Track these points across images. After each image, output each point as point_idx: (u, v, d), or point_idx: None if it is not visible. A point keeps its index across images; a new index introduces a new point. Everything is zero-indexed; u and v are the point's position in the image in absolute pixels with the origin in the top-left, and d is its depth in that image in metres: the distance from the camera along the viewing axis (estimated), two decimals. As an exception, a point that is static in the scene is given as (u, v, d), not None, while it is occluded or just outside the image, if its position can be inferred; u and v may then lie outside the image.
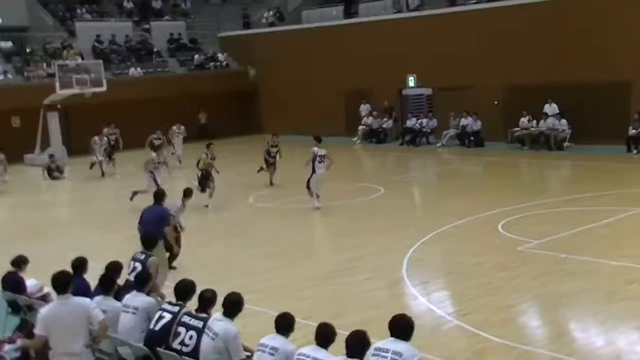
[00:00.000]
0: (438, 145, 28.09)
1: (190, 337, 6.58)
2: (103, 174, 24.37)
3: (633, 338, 8.57)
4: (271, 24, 36.07)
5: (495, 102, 27.13)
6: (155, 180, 17.98)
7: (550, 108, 25.55)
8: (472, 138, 27.30)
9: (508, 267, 11.78)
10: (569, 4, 24.72)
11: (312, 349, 6.01)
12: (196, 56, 35.70)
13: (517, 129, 26.14)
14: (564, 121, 24.99)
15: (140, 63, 33.88)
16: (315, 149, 16.66)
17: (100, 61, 29.63)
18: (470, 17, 27.43)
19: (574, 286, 10.63)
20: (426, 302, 10.38)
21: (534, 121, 25.77)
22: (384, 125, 30.17)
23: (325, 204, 16.94)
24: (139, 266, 8.75)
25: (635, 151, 23.02)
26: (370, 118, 30.59)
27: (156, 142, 22.95)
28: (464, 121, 27.57)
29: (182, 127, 26.76)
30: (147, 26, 36.57)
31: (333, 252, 13.61)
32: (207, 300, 6.85)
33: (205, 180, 17.86)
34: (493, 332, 8.90)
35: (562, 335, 9.01)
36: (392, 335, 5.88)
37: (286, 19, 35.90)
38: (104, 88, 27.80)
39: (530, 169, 23.26)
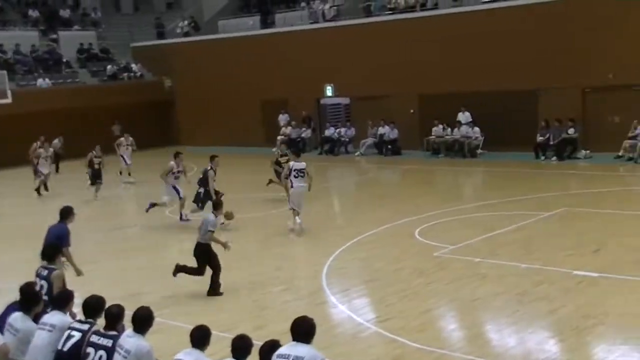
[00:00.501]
0: (356, 154, 28.44)
1: (100, 357, 6.32)
2: (47, 188, 22.83)
3: (542, 337, 8.89)
4: (186, 34, 35.72)
5: (411, 111, 27.72)
6: (177, 190, 17.23)
7: (464, 116, 26.28)
8: (389, 147, 27.75)
9: (425, 272, 12.02)
10: (479, 17, 25.54)
11: None
12: (109, 67, 34.96)
13: (432, 137, 26.78)
14: (477, 129, 25.73)
15: (48, 74, 32.90)
16: (292, 162, 15.83)
17: (4, 72, 28.52)
18: (386, 27, 27.92)
19: (487, 289, 10.94)
20: (346, 310, 10.47)
21: (449, 129, 26.45)
22: (302, 135, 30.30)
23: (243, 216, 16.83)
24: (44, 283, 8.42)
25: (543, 157, 23.94)
26: (289, 128, 30.67)
27: (96, 160, 21.73)
28: (381, 130, 28.02)
29: (131, 139, 25.63)
30: (54, 36, 35.57)
31: (252, 263, 13.53)
32: (114, 316, 6.58)
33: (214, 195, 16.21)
34: (411, 337, 9.06)
35: (476, 337, 9.25)
36: (294, 339, 5.77)
37: (202, 29, 35.63)
38: (8, 100, 26.81)
39: (445, 176, 23.83)
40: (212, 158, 16.91)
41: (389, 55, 27.39)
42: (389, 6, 28.90)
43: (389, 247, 13.93)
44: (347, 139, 29.18)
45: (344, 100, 31.43)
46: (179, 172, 17.36)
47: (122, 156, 25.04)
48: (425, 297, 10.77)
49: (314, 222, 16.77)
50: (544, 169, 22.73)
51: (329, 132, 29.75)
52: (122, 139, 25.67)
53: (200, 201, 16.69)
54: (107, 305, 6.80)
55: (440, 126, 26.55)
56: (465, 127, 26.00)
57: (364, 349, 8.92)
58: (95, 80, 34.43)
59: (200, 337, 6.18)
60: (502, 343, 8.88)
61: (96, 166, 21.71)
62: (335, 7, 30.60)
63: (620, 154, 22.55)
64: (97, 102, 31.88)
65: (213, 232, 11.45)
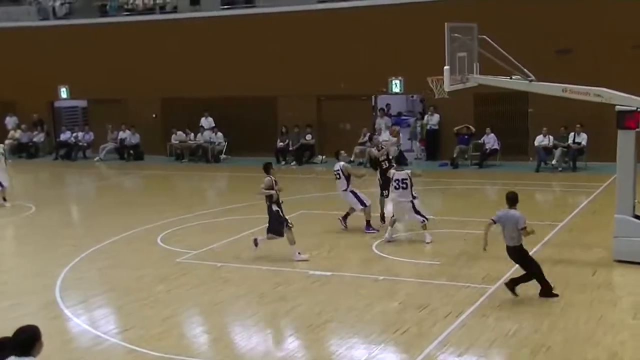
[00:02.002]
0: (96, 159, 27.32)
1: None
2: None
3: (280, 336, 9.21)
4: None
5: (154, 115, 27.30)
6: (358, 197, 14.48)
7: (207, 121, 26.46)
8: (131, 152, 27.04)
9: (167, 279, 11.84)
10: (218, 22, 25.91)
11: None
12: None
13: (176, 142, 26.61)
14: (220, 134, 26.04)
15: None
16: (392, 171, 13.90)
17: None
18: (125, 29, 27.23)
19: (229, 292, 11.08)
20: (81, 323, 9.95)
21: (192, 134, 26.46)
22: (34, 139, 28.37)
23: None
24: None
25: (283, 162, 24.91)
26: (19, 131, 28.55)
27: None
28: (122, 134, 27.22)
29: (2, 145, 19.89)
30: None
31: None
32: None
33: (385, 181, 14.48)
34: (151, 346, 8.85)
35: (217, 341, 9.29)
36: (15, 354, 5.26)
37: None
38: None
39: (189, 181, 23.75)
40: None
41: (129, 57, 26.72)
42: (126, 7, 28.16)
43: (130, 255, 13.54)
44: (85, 144, 27.92)
45: (81, 103, 30.04)
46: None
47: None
48: (166, 304, 10.60)
49: (47, 231, 15.81)
50: (285, 173, 23.51)
51: (65, 136, 28.23)
52: None
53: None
54: None
55: (180, 133, 26.47)
56: (209, 132, 26.19)
57: (100, 363, 8.54)
58: None
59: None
60: (243, 344, 9.02)
61: None
62: (67, 5, 29.06)
63: (352, 159, 24.18)
64: None
65: (525, 228, 10.09)
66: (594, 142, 20.86)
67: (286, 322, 9.71)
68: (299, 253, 12.63)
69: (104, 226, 16.00)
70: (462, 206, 17.27)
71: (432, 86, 12.87)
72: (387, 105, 30.43)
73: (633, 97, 11.47)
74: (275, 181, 12.66)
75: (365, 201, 14.43)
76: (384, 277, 11.40)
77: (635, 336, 8.71)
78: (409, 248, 13.44)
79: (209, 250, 13.54)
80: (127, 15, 27.92)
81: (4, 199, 18.63)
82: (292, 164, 24.64)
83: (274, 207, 12.61)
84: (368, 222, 14.55)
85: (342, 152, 15.12)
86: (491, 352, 8.39)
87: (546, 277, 10.24)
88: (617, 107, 11.41)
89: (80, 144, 27.90)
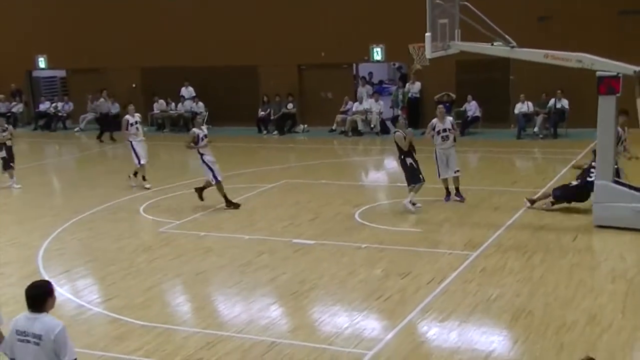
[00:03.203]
0: (76, 129, 27.04)
1: None
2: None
3: (264, 304, 9.23)
4: None
5: (134, 85, 27.01)
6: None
7: (187, 91, 26.23)
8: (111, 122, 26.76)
9: (150, 249, 11.84)
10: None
11: None
12: None
13: (157, 111, 26.40)
14: (201, 104, 25.83)
15: None
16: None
17: None
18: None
19: (212, 262, 11.08)
20: (65, 292, 9.93)
21: (172, 104, 26.23)
22: (13, 110, 28.00)
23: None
24: None
25: (265, 132, 24.80)
26: (-3, 101, 28.19)
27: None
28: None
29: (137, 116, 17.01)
30: None
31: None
32: None
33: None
34: (134, 315, 8.87)
35: (200, 309, 9.32)
36: (29, 309, 5.32)
37: None
38: None
39: (170, 152, 23.60)
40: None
41: (108, 26, 26.33)
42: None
43: (112, 225, 13.49)
44: (64, 114, 27.60)
45: (60, 73, 29.65)
46: None
47: (132, 144, 16.56)
48: (149, 274, 10.60)
49: (29, 202, 15.71)
50: (266, 143, 23.57)
51: (44, 106, 27.89)
52: (128, 116, 16.64)
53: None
54: None
55: (161, 101, 26.23)
56: (189, 101, 25.98)
57: (83, 331, 8.52)
58: None
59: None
60: (227, 313, 9.06)
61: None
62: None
63: (333, 127, 24.18)
64: None
65: None
66: (575, 108, 20.94)
67: (269, 290, 9.74)
68: (412, 203, 13.14)
69: (86, 197, 15.90)
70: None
71: (413, 53, 12.80)
72: (370, 73, 30.33)
73: (614, 62, 11.48)
74: (404, 136, 13.29)
75: (440, 172, 14.12)
76: (367, 245, 11.44)
77: (613, 300, 8.84)
78: (391, 216, 13.48)
79: (192, 220, 13.52)
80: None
81: (144, 178, 16.49)
82: (273, 133, 24.54)
83: (408, 161, 13.19)
84: (456, 189, 14.11)
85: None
86: (473, 317, 8.48)
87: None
88: (598, 73, 11.43)
89: (60, 114, 27.58)
